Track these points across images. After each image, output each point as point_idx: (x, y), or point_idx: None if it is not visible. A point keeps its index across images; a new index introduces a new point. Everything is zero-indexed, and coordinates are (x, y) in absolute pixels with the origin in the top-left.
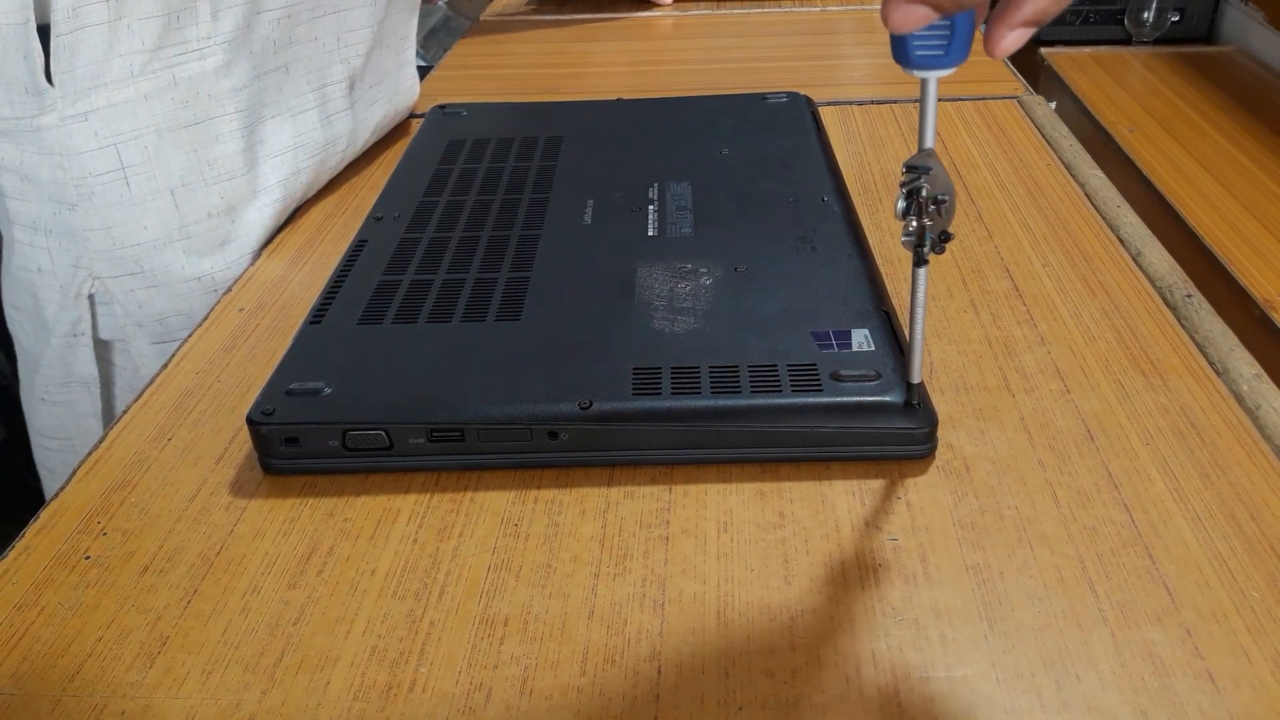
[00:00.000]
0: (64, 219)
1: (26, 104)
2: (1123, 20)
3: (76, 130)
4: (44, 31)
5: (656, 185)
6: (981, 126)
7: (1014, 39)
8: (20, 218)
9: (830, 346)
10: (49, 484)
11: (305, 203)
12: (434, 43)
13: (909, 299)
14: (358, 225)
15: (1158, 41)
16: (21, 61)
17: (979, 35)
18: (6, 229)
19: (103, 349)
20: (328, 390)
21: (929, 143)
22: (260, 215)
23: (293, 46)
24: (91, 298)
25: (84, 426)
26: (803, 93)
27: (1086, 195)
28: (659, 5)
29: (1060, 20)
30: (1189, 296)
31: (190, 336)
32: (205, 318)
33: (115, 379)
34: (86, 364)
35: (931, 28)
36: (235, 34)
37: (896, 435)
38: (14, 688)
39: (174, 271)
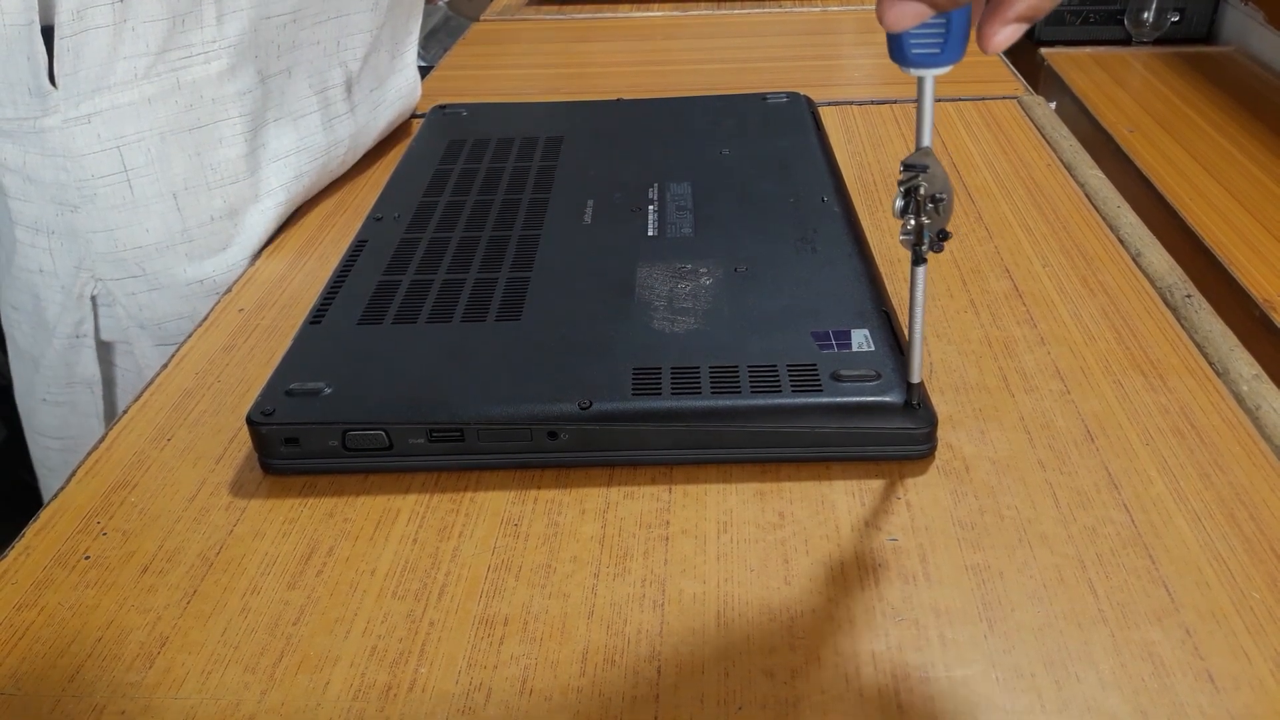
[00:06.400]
0: (66, 220)
1: (30, 105)
2: (1123, 20)
3: (80, 132)
4: (48, 33)
5: (656, 185)
6: (981, 127)
7: (1007, 35)
8: (23, 218)
9: (830, 346)
10: (50, 483)
11: (305, 203)
12: (434, 43)
13: (909, 299)
14: (358, 225)
15: (1158, 42)
16: (25, 63)
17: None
18: (9, 229)
19: (105, 350)
20: (327, 390)
21: (926, 141)
22: (263, 218)
23: (296, 50)
24: (94, 299)
25: (87, 426)
26: (803, 93)
27: (1086, 195)
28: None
29: (1060, 20)
30: (1189, 297)
31: (190, 336)
32: (205, 318)
33: (118, 380)
34: (89, 365)
35: (927, 25)
36: (240, 38)
37: (896, 435)
38: (14, 688)
39: (176, 274)
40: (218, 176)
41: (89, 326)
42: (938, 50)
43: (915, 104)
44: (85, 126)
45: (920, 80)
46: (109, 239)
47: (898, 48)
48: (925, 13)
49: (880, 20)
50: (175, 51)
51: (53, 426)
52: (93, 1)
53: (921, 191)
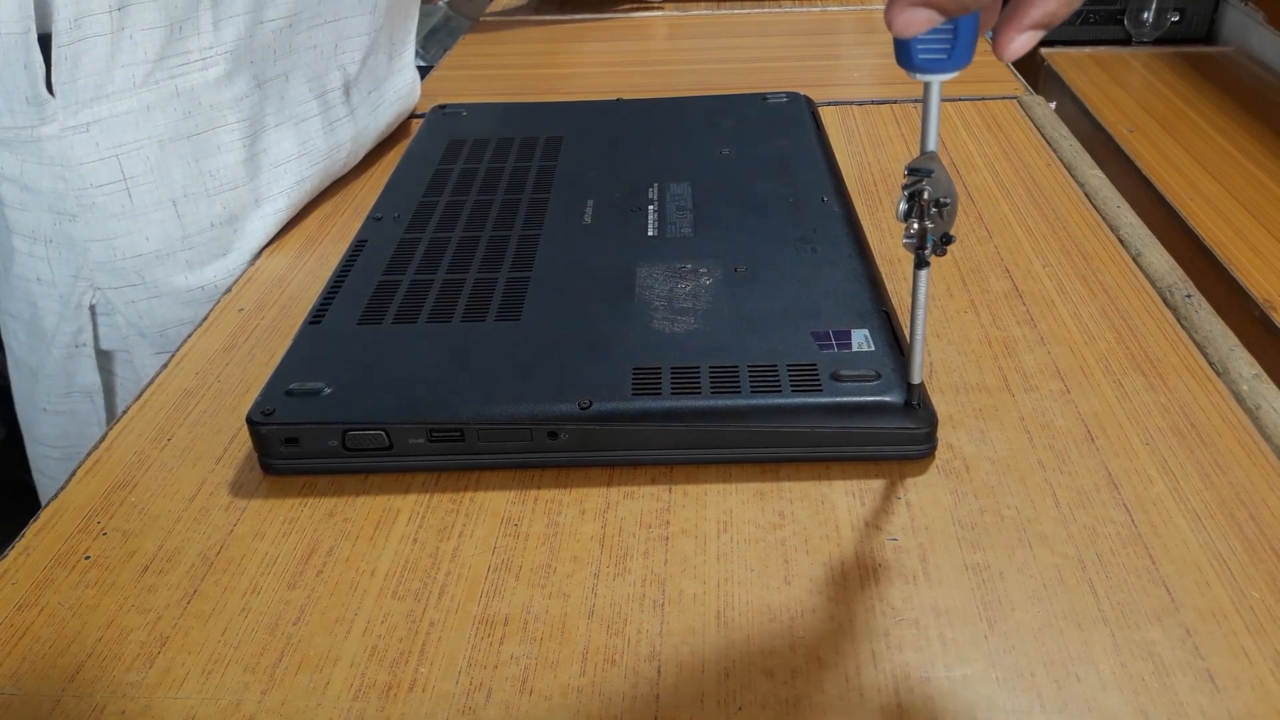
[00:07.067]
0: (64, 229)
1: (27, 114)
2: (1122, 20)
3: (78, 141)
4: (44, 41)
5: (656, 185)
6: (981, 127)
7: (1023, 42)
8: (20, 227)
9: (830, 347)
10: (49, 492)
11: (305, 203)
12: (434, 43)
13: (909, 299)
14: (358, 225)
15: (1158, 42)
16: (22, 71)
17: (983, 40)
18: (6, 238)
19: (104, 359)
20: (327, 390)
21: (931, 145)
22: (264, 224)
23: (292, 54)
24: (93, 308)
25: (87, 435)
26: (803, 93)
27: (1086, 195)
28: (650, 6)
29: None
30: (1189, 296)
31: (190, 337)
32: (205, 317)
33: (117, 389)
34: (89, 374)
35: (935, 31)
36: (237, 44)
37: (896, 435)
38: (14, 688)
39: (176, 282)
40: (217, 183)
41: (88, 335)
42: (945, 56)
43: (918, 106)
44: (83, 135)
45: (926, 85)
46: (107, 248)
47: (905, 53)
48: (935, 19)
49: (889, 26)
50: (173, 59)
51: (52, 436)
52: (90, 10)
53: (925, 195)
